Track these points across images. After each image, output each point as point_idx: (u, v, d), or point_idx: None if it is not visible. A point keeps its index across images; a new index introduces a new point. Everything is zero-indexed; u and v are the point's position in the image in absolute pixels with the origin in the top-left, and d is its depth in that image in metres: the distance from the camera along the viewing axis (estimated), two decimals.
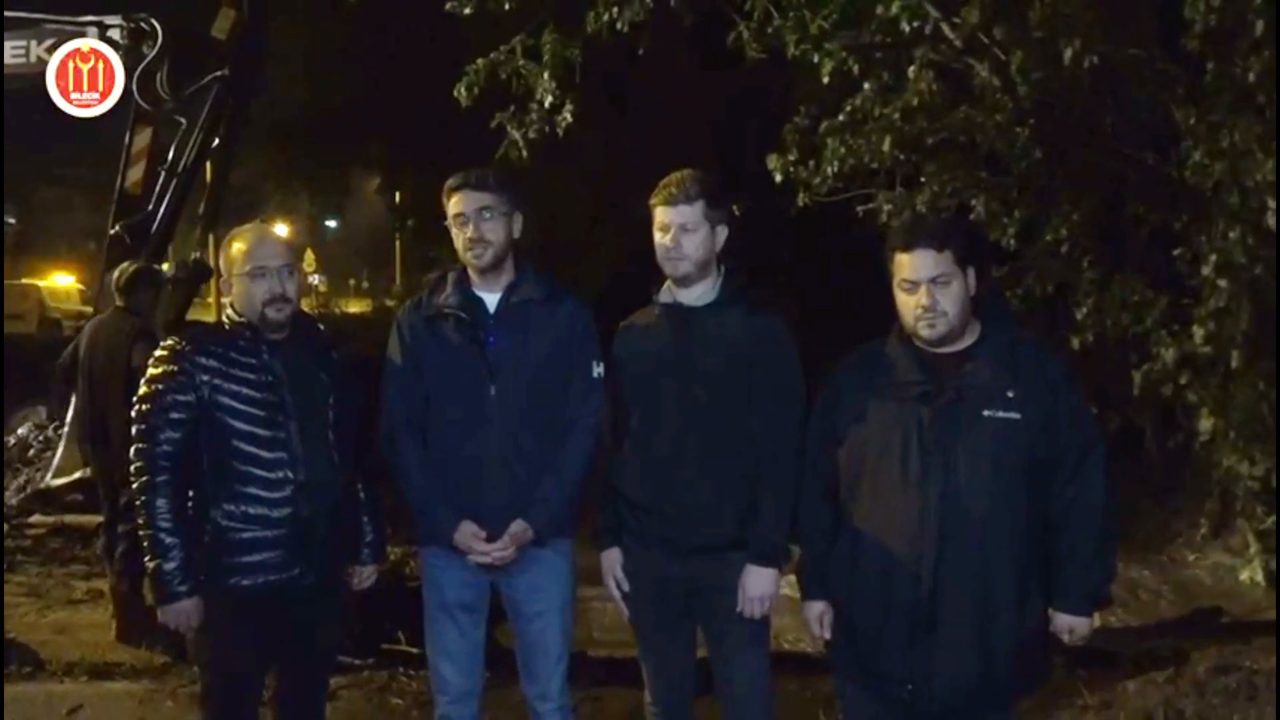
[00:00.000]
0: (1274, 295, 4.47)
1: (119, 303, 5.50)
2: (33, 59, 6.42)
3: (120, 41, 6.31)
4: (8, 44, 6.38)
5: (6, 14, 6.32)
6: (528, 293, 3.03)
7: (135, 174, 6.69)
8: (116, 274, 5.59)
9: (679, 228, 2.93)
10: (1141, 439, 7.38)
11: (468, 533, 2.97)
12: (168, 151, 6.50)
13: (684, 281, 2.98)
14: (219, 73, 6.49)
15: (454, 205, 3.02)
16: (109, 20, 6.43)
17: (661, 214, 2.97)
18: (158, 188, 6.68)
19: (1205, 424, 4.57)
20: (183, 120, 6.41)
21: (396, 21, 15.66)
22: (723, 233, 3.00)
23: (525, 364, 2.99)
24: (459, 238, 3.02)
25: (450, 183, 3.05)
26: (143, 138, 6.54)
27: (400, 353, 3.07)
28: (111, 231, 6.82)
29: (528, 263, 3.10)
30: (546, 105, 5.33)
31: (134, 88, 6.20)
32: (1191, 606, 6.32)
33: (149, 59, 6.19)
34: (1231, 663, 4.25)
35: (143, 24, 6.35)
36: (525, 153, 5.43)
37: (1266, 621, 5.31)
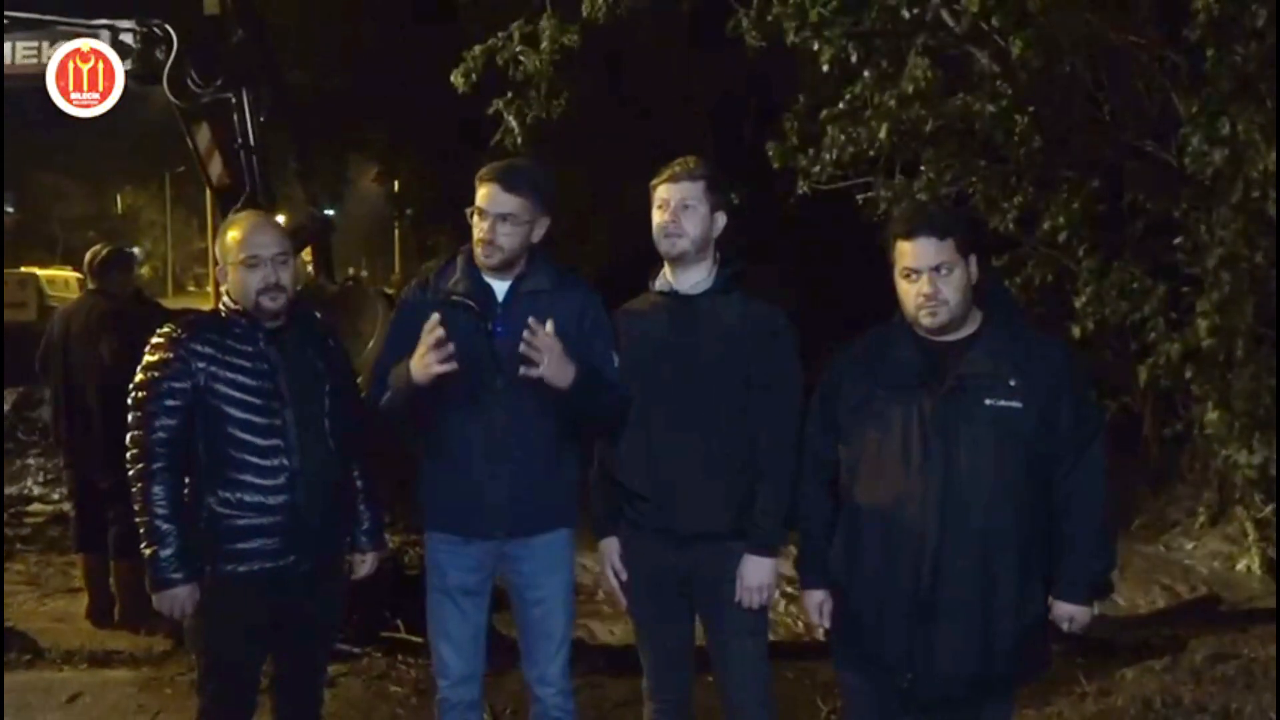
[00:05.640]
0: (1274, 285, 4.47)
1: (91, 285, 5.43)
2: (44, 60, 6.55)
3: (133, 46, 6.46)
4: (20, 45, 6.50)
5: (17, 14, 6.41)
6: (538, 283, 2.95)
7: (216, 168, 6.50)
8: (89, 256, 5.54)
9: (680, 203, 2.90)
10: (1140, 427, 7.40)
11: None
12: (234, 133, 6.37)
13: (680, 262, 2.94)
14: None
15: (479, 196, 2.91)
16: (122, 24, 6.56)
17: (663, 190, 2.93)
18: (244, 167, 6.50)
19: (1211, 415, 4.56)
20: (231, 97, 6.23)
21: (394, 7, 15.62)
22: (721, 219, 2.96)
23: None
24: (475, 228, 2.92)
25: (484, 172, 2.92)
26: (203, 133, 6.40)
27: (403, 335, 2.95)
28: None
29: (538, 250, 2.99)
30: (544, 91, 5.29)
31: (170, 94, 6.13)
32: (1189, 595, 6.34)
33: (170, 63, 6.19)
34: (1229, 651, 4.26)
35: (155, 29, 6.50)
36: (520, 139, 5.39)
37: (1263, 609, 5.33)
